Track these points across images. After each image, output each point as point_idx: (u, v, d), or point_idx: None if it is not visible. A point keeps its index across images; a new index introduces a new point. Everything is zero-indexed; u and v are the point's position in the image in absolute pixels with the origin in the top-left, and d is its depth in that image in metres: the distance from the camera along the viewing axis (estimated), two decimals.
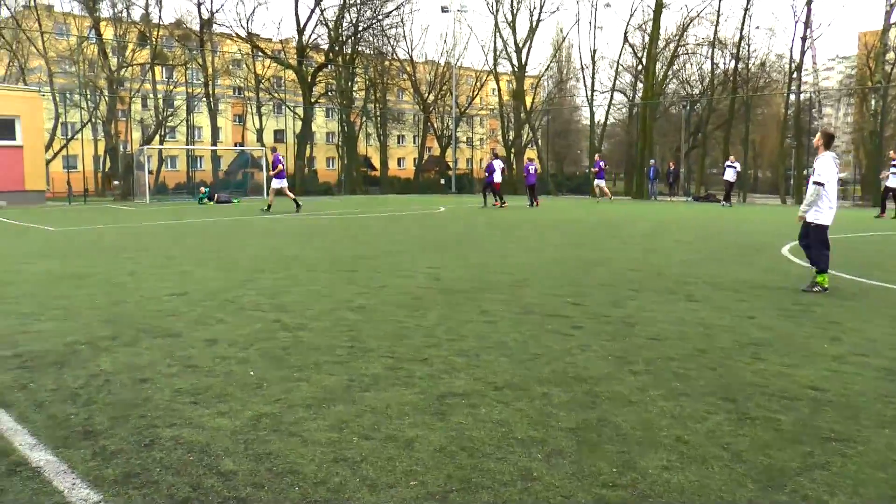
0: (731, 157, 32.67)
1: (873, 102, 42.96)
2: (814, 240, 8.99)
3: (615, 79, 51.10)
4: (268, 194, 25.58)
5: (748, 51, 45.96)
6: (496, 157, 29.79)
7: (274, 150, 26.88)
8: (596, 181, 35.48)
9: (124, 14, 46.23)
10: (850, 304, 8.23)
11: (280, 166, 24.59)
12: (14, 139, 33.08)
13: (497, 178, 28.62)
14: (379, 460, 3.71)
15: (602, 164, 35.45)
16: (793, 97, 44.33)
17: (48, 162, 40.71)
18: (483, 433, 4.09)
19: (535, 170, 32.34)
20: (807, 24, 41.50)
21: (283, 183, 24.94)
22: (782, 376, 5.28)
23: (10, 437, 4.03)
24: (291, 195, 25.66)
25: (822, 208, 8.92)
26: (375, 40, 51.08)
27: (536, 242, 14.69)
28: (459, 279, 9.72)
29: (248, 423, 4.23)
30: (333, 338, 6.34)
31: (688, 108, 47.22)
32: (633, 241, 14.97)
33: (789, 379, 5.21)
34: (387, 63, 54.14)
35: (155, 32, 46.76)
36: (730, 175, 31.22)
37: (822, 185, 8.83)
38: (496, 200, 28.62)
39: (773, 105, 49.09)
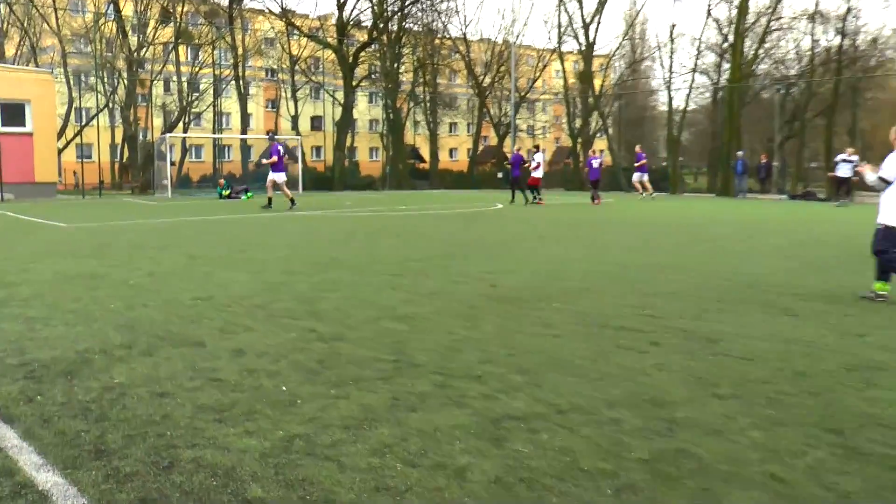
0: (849, 151, 31.80)
1: None
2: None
3: (697, 59, 50.46)
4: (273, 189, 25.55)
5: (856, 25, 44.98)
6: (538, 149, 30.50)
7: (271, 135, 26.62)
8: (636, 175, 35.53)
9: None
10: None
11: (275, 157, 24.63)
12: (24, 126, 33.91)
13: (538, 173, 29.19)
14: (426, 491, 3.69)
15: (643, 156, 35.30)
16: None
17: (60, 151, 41.74)
18: (544, 462, 4.05)
19: (600, 163, 32.27)
20: None
21: (282, 177, 25.07)
22: None
23: (14, 456, 4.10)
24: (289, 193, 25.62)
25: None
26: (425, 16, 51.40)
27: (606, 245, 14.57)
28: (519, 286, 9.69)
29: (278, 445, 4.24)
30: (375, 350, 6.35)
31: (782, 91, 46.40)
32: (719, 246, 14.75)
33: None
34: (437, 42, 54.35)
35: (179, 8, 47.57)
36: (844, 171, 30.47)
37: (889, 182, 9.22)
38: (536, 198, 29.16)
39: (887, 89, 47.95)
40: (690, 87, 51.16)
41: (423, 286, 9.63)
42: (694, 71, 50.66)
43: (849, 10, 43.68)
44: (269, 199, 25.43)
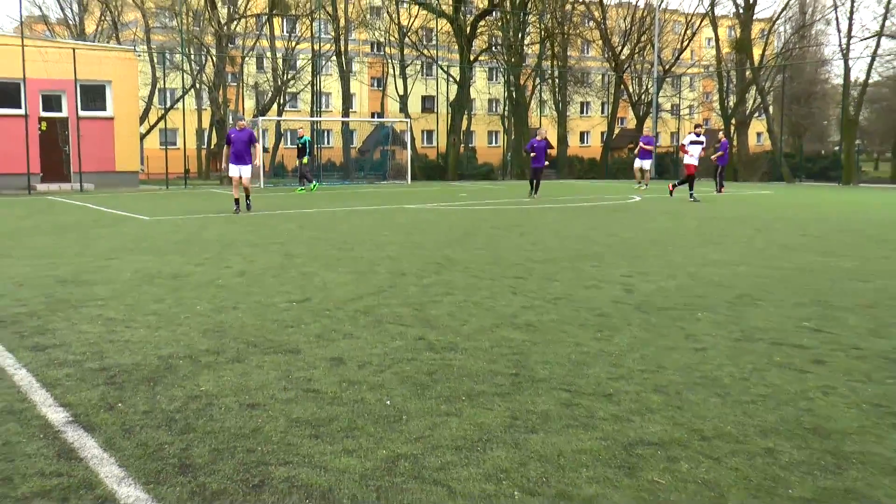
0: None
1: None
2: None
3: (885, 19, 48.40)
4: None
5: None
6: (699, 132, 28.68)
7: (237, 118, 25.10)
8: (638, 162, 35.16)
9: None
10: None
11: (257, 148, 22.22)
12: (104, 109, 35.20)
13: (693, 160, 27.68)
14: None
15: (650, 140, 34.37)
16: None
17: (143, 137, 43.23)
18: (684, 496, 4.03)
19: (725, 148, 32.59)
20: None
21: (248, 171, 21.82)
22: None
23: (95, 467, 4.33)
24: (247, 192, 22.14)
25: None
26: None
27: (761, 245, 14.26)
28: (659, 292, 9.60)
29: (381, 466, 4.35)
30: (493, 362, 6.41)
31: None
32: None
33: None
34: (568, 7, 54.08)
35: None
36: None
37: None
38: (691, 195, 27.27)
39: None
40: (874, 56, 49.09)
41: (548, 291, 9.64)
42: (880, 34, 48.40)
43: None
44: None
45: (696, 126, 29.19)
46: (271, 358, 6.51)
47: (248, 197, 21.74)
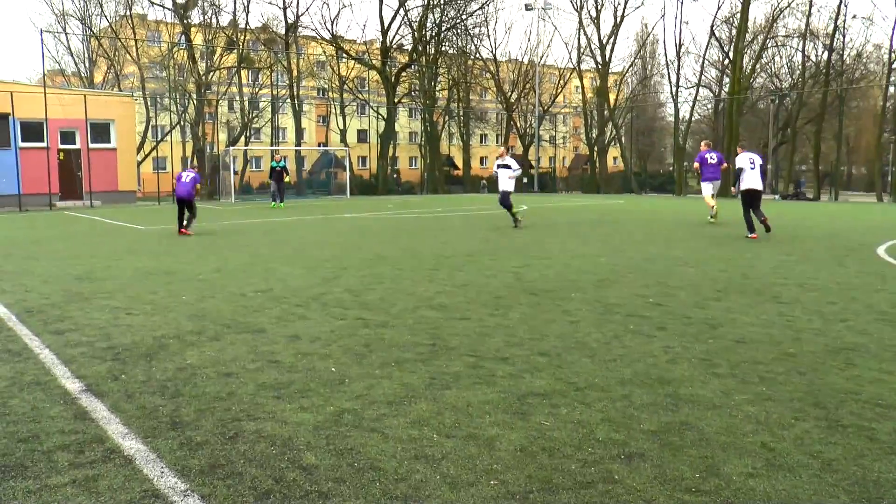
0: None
1: None
2: None
3: (701, 73, 49.88)
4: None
5: (843, 41, 44.26)
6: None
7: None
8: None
9: (213, 20, 47.66)
10: None
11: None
12: (109, 142, 34.71)
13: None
14: (459, 458, 3.73)
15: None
16: (892, 89, 42.54)
17: (139, 163, 42.32)
18: (564, 434, 4.06)
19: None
20: None
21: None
22: (878, 383, 5.06)
23: (104, 426, 4.21)
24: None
25: None
26: (459, 40, 51.31)
27: (616, 241, 14.47)
28: (541, 278, 9.67)
29: (329, 419, 4.30)
30: (415, 335, 6.39)
31: (776, 102, 45.79)
32: (717, 241, 14.59)
33: (886, 386, 5.00)
34: (470, 62, 54.27)
35: (242, 37, 47.99)
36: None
37: None
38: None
39: (869, 98, 47.15)
40: (695, 100, 50.66)
41: (456, 279, 9.65)
42: (698, 85, 50.18)
43: (835, 28, 42.99)
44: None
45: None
46: (242, 336, 6.40)
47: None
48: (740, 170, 15.36)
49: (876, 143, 43.22)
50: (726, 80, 46.75)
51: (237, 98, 50.91)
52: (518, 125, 58.24)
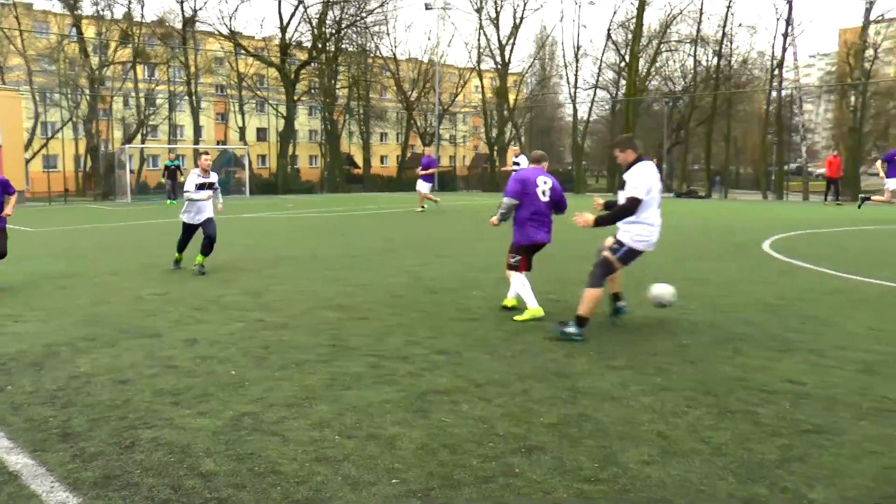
0: None
1: (853, 99, 43.21)
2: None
3: (598, 76, 51.08)
4: None
5: (730, 48, 46.09)
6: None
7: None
8: (419, 186, 24.34)
9: (106, 12, 45.93)
10: (831, 298, 8.28)
11: None
12: None
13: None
14: (360, 458, 3.71)
15: (432, 160, 24.26)
16: (774, 94, 44.57)
17: (27, 162, 40.39)
18: (464, 430, 4.10)
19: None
20: (788, 22, 41.57)
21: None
22: (763, 370, 5.32)
23: None
24: None
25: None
26: (359, 38, 50.96)
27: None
28: (442, 277, 9.72)
29: (229, 423, 4.21)
30: (316, 336, 6.33)
31: (670, 104, 47.39)
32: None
33: (769, 373, 5.25)
34: (370, 61, 53.98)
35: (137, 31, 46.45)
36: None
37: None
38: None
39: (754, 101, 49.19)
40: (592, 101, 51.75)
41: (357, 279, 9.59)
42: (595, 87, 51.28)
43: (724, 35, 44.75)
44: None
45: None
46: (138, 341, 6.19)
47: None
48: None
49: (760, 144, 45.30)
50: (623, 82, 47.98)
51: (133, 94, 49.26)
52: (418, 124, 58.33)
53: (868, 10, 39.92)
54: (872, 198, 20.48)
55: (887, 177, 18.83)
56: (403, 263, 11.00)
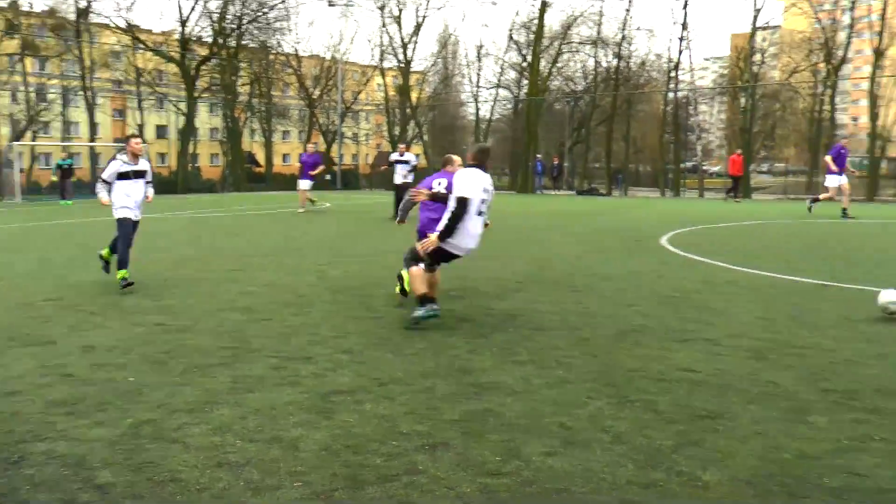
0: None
1: (743, 100, 45.13)
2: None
3: (500, 75, 51.77)
4: None
5: (629, 50, 47.43)
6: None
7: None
8: (301, 185, 22.65)
9: None
10: (724, 290, 8.63)
11: None
12: None
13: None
14: (263, 462, 3.65)
15: (310, 158, 22.66)
16: (671, 95, 46.11)
17: None
18: (368, 429, 4.08)
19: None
20: (684, 26, 43.17)
21: None
22: (660, 360, 5.50)
23: None
24: None
25: None
26: (260, 34, 50.05)
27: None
28: (345, 276, 9.66)
29: (127, 432, 4.07)
30: (218, 339, 6.19)
31: (571, 104, 48.39)
32: (520, 235, 15.22)
33: (667, 362, 5.44)
34: (272, 57, 53.12)
35: (25, 21, 44.32)
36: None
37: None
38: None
39: (652, 102, 50.73)
40: (495, 100, 52.52)
41: (260, 279, 9.42)
42: (498, 86, 52.03)
43: (623, 37, 46.01)
44: None
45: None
46: (29, 350, 5.91)
47: None
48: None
49: (658, 143, 46.80)
50: (525, 81, 48.69)
51: (21, 88, 47.00)
52: (321, 122, 57.76)
53: (755, 18, 41.71)
54: (820, 197, 20.93)
55: (828, 173, 19.61)
56: (307, 262, 10.88)
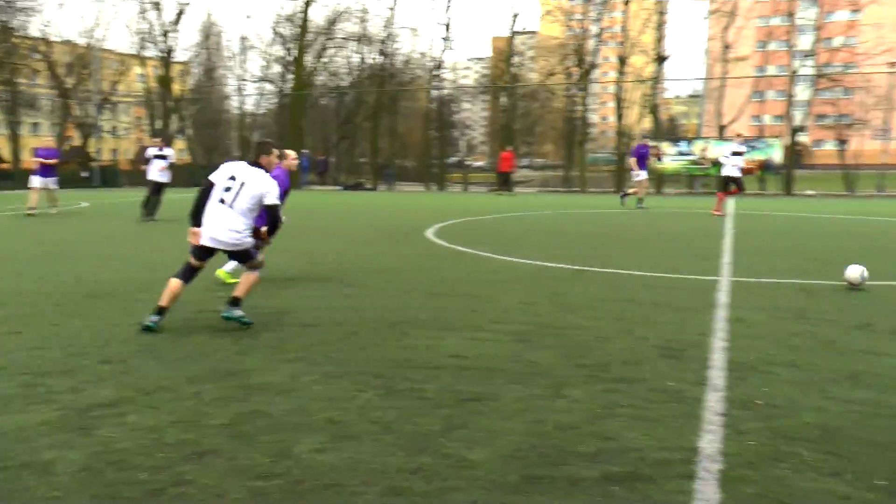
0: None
1: (504, 99, 47.64)
2: None
3: (266, 69, 50.76)
4: None
5: (394, 48, 48.35)
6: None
7: None
8: (33, 182, 20.85)
9: None
10: (488, 278, 9.06)
11: None
12: None
13: (735, 171, 19.19)
14: (13, 492, 3.33)
15: (52, 151, 21.31)
16: (434, 93, 47.58)
17: None
18: (132, 443, 3.86)
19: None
20: (446, 27, 44.83)
21: None
22: (428, 349, 5.69)
23: None
24: None
25: None
26: (3, 13, 45.49)
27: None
28: (107, 280, 9.02)
29: None
30: None
31: (337, 99, 48.52)
32: (287, 230, 14.99)
33: (434, 351, 5.64)
34: (16, 40, 48.45)
35: None
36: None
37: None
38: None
39: (417, 99, 52.02)
40: (260, 94, 51.43)
41: (9, 287, 8.55)
42: (262, 79, 50.95)
43: (389, 35, 46.84)
44: None
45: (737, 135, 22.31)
46: None
47: None
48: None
49: (423, 139, 48.18)
50: (290, 76, 48.09)
51: None
52: (76, 114, 53.66)
53: (514, 22, 44.37)
54: (629, 192, 23.66)
55: (641, 169, 22.38)
56: (62, 267, 10.03)
